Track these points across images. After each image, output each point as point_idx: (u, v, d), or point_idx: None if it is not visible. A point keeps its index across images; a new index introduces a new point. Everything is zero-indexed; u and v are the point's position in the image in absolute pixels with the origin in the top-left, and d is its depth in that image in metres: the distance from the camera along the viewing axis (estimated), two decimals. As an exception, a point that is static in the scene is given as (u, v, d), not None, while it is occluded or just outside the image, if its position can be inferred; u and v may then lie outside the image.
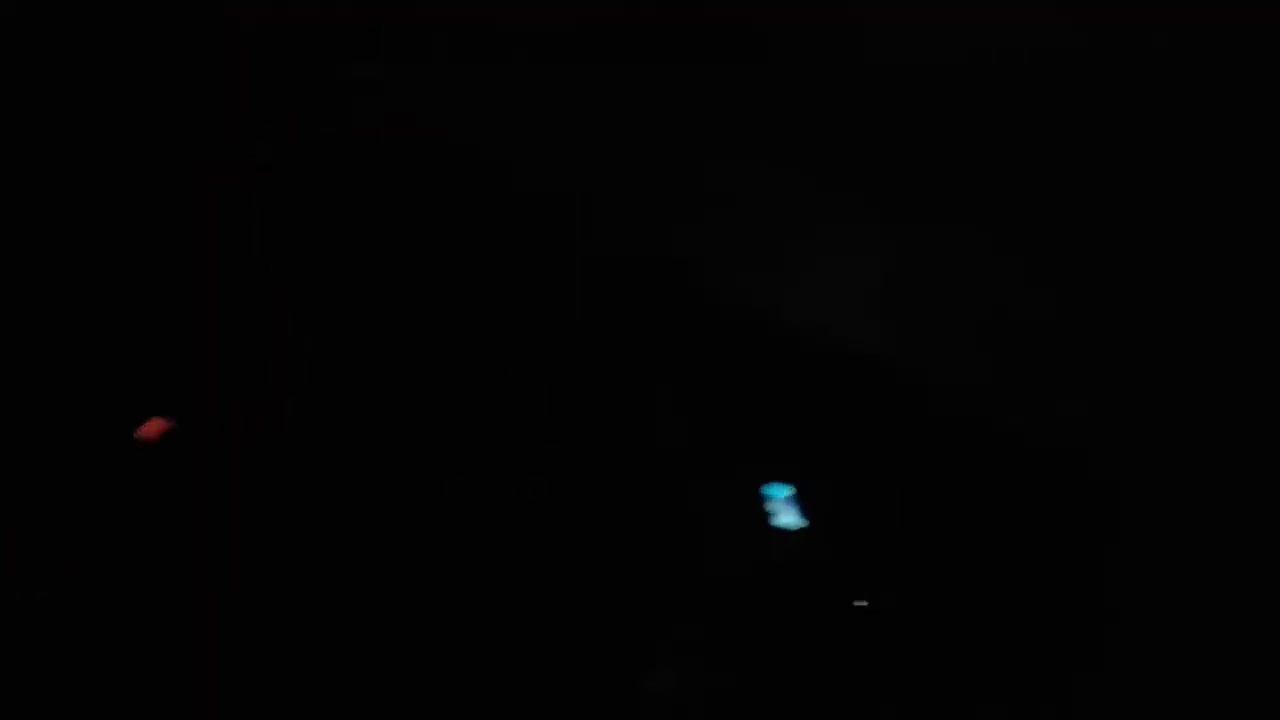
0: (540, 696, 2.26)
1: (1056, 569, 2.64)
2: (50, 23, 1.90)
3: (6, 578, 1.89)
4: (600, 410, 2.47)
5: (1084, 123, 2.01)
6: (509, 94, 1.86)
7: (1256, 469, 2.42)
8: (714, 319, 2.50)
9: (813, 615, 2.71)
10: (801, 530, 2.76)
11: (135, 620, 1.98)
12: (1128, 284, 2.30)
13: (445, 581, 2.22)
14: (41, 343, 1.98)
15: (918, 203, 2.20)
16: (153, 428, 2.06)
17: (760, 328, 2.52)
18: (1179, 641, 2.49)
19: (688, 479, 2.64)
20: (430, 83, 1.86)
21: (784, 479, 2.75)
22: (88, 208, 1.99)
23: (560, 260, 2.25)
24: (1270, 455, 2.41)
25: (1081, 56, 1.83)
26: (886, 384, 2.60)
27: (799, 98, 1.95)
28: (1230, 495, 2.47)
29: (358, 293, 2.13)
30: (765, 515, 2.75)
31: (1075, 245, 2.25)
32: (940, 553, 2.69)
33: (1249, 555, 2.43)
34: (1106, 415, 2.48)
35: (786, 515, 2.77)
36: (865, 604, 2.59)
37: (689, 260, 2.33)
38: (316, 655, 2.08)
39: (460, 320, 2.23)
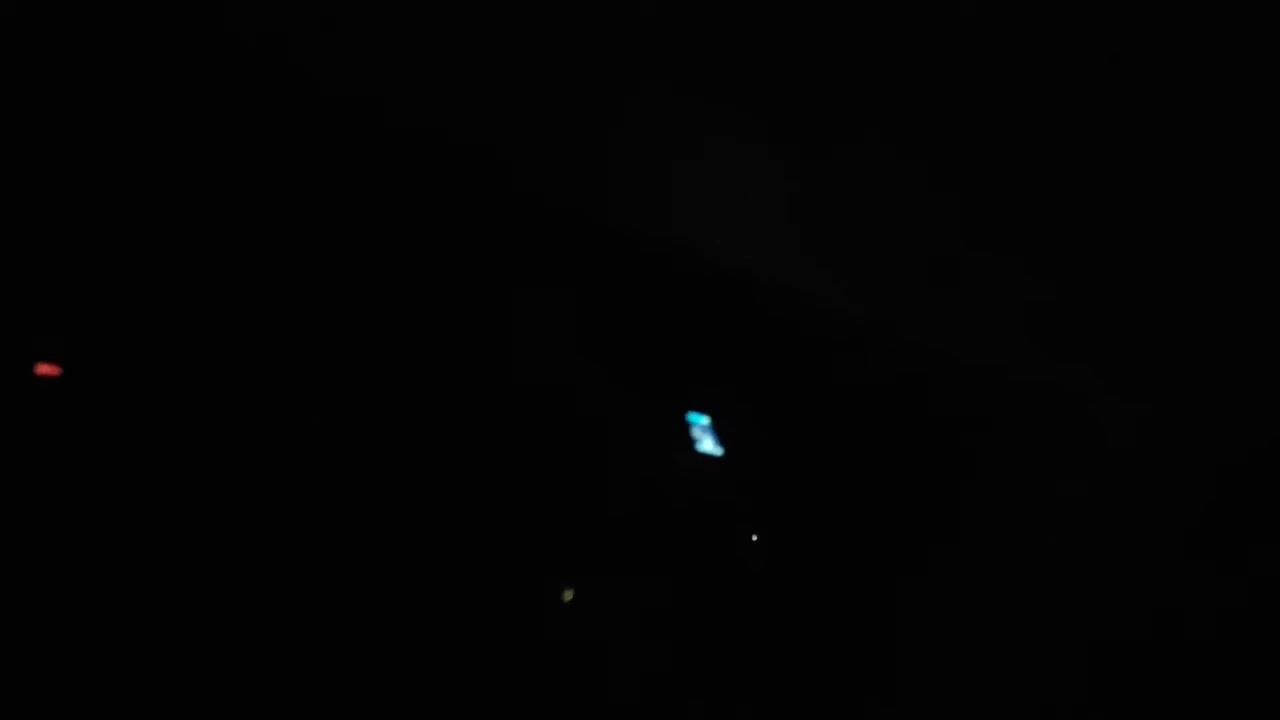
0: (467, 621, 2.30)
1: (948, 497, 2.70)
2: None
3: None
4: (509, 344, 2.45)
5: (1010, 44, 1.92)
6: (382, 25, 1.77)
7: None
8: (621, 249, 2.47)
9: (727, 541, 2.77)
10: (719, 458, 2.80)
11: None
12: (1045, 217, 2.27)
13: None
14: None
15: (824, 125, 2.14)
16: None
17: (667, 258, 2.49)
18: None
19: (602, 409, 2.65)
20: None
21: (700, 408, 2.78)
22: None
23: (453, 197, 2.20)
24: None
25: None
26: (796, 314, 2.60)
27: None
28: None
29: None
30: (687, 441, 2.78)
31: (996, 176, 2.21)
32: (845, 482, 2.75)
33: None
34: (1020, 357, 2.49)
35: (705, 442, 2.81)
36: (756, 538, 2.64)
37: (593, 192, 2.28)
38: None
39: (362, 264, 2.19)
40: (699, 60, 1.88)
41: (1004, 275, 2.38)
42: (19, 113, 1.86)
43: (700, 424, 2.80)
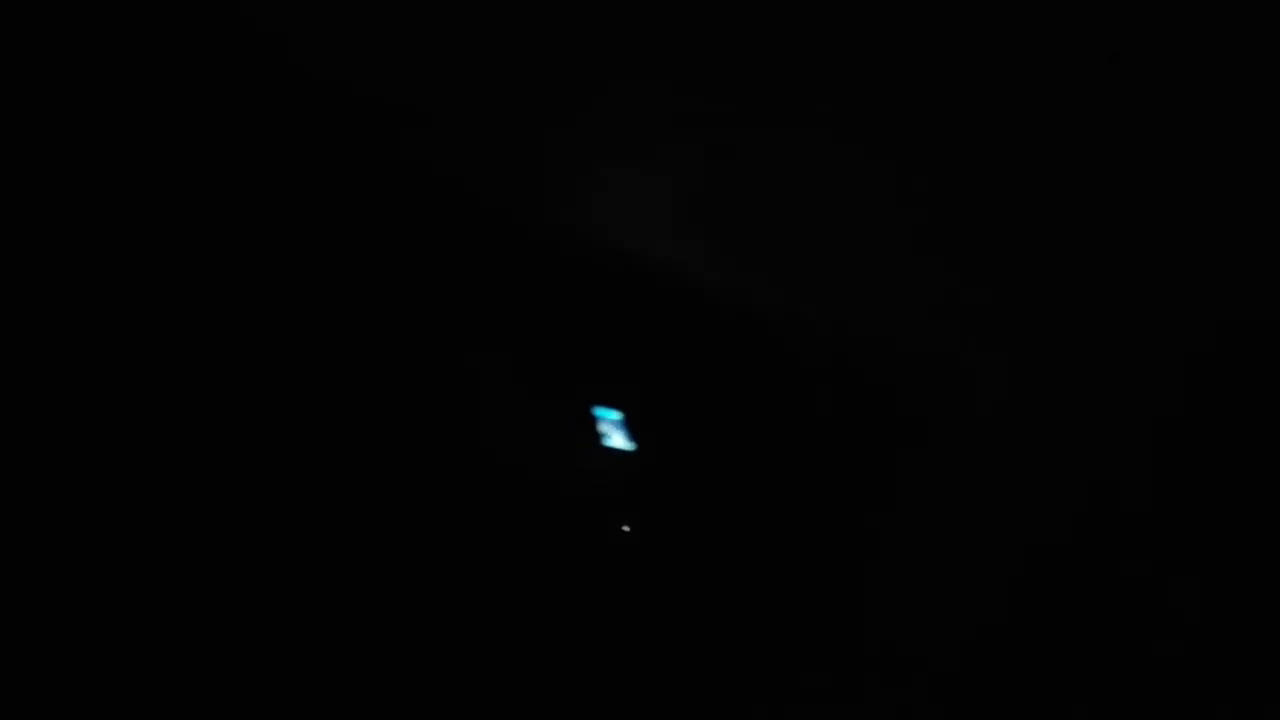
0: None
1: (861, 494, 2.79)
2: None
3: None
4: (419, 337, 2.44)
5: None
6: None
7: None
8: (526, 241, 2.50)
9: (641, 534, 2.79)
10: (630, 454, 2.82)
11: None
12: (975, 204, 2.29)
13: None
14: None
15: (741, 114, 2.15)
16: None
17: (573, 249, 2.53)
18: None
19: (514, 404, 2.65)
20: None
21: (610, 403, 2.80)
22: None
23: (362, 176, 2.18)
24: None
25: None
26: (704, 307, 2.67)
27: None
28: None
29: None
30: (597, 437, 2.80)
31: (926, 155, 2.18)
32: (758, 475, 2.81)
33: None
34: (937, 347, 2.57)
35: (617, 438, 2.83)
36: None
37: (496, 182, 2.29)
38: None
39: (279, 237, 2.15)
40: (621, 46, 1.91)
41: (900, 254, 2.47)
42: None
43: (610, 419, 2.82)
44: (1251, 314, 2.32)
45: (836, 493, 2.75)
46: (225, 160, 1.87)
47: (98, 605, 1.87)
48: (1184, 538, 2.45)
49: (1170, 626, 2.42)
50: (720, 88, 2.00)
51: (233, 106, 1.83)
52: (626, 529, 2.64)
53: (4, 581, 1.80)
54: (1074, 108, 1.98)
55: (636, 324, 2.75)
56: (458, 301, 2.50)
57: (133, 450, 1.92)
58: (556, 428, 2.77)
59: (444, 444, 2.51)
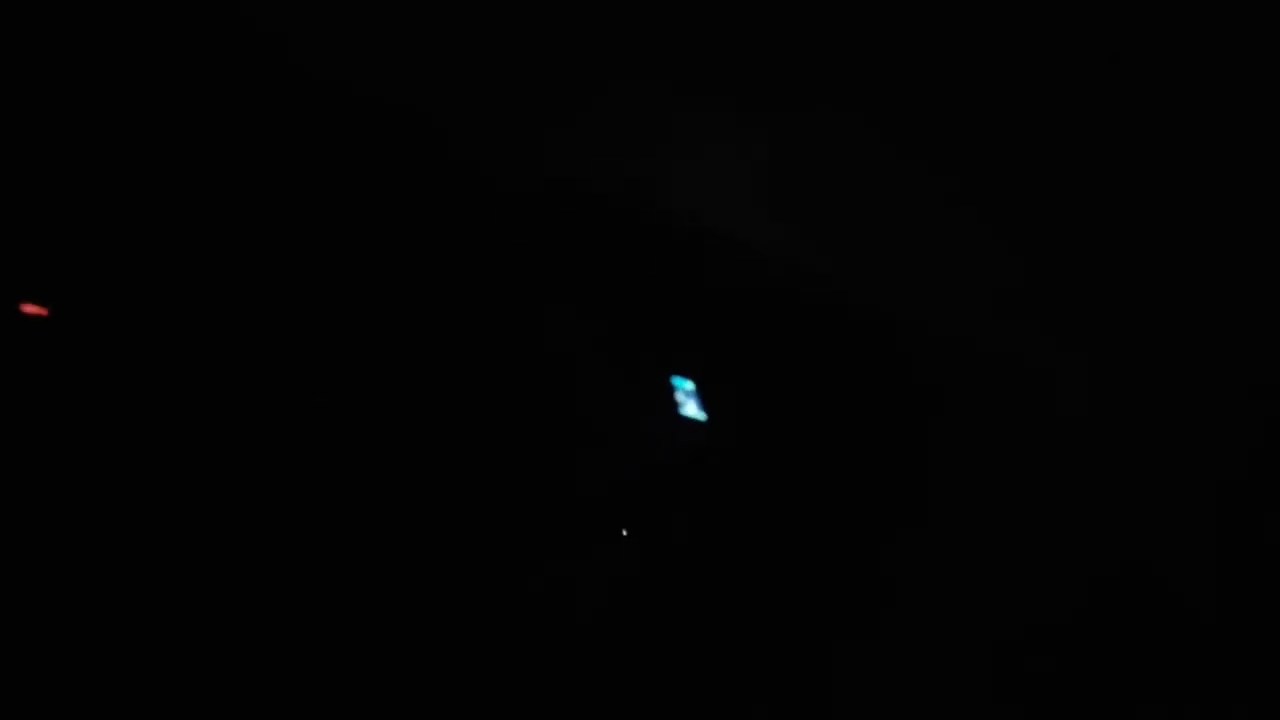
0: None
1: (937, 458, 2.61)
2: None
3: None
4: (496, 308, 2.46)
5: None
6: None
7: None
8: (605, 215, 2.43)
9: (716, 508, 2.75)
10: (703, 424, 2.77)
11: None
12: (1019, 177, 2.15)
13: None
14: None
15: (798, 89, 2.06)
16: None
17: (650, 220, 2.44)
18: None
19: (588, 374, 2.65)
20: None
21: (685, 373, 2.74)
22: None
23: (435, 167, 2.17)
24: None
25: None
26: (780, 277, 2.53)
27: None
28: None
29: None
30: (671, 406, 2.76)
31: (972, 138, 2.10)
32: (832, 447, 2.69)
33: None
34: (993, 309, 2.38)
35: (690, 407, 2.78)
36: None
37: (579, 161, 2.23)
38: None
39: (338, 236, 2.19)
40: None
41: (986, 252, 2.27)
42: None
43: (685, 389, 2.77)
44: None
45: (892, 479, 2.60)
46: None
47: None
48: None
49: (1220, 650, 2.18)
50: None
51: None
52: (625, 533, 2.61)
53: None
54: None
55: (714, 297, 2.65)
56: (538, 278, 2.50)
57: (161, 448, 2.02)
58: (635, 396, 2.75)
59: (518, 414, 2.54)
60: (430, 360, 2.33)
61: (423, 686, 2.27)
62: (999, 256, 2.22)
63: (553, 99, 1.92)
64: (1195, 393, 2.27)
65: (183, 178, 1.91)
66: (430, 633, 2.31)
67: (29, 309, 2.08)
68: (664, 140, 2.24)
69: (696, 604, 2.68)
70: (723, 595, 2.69)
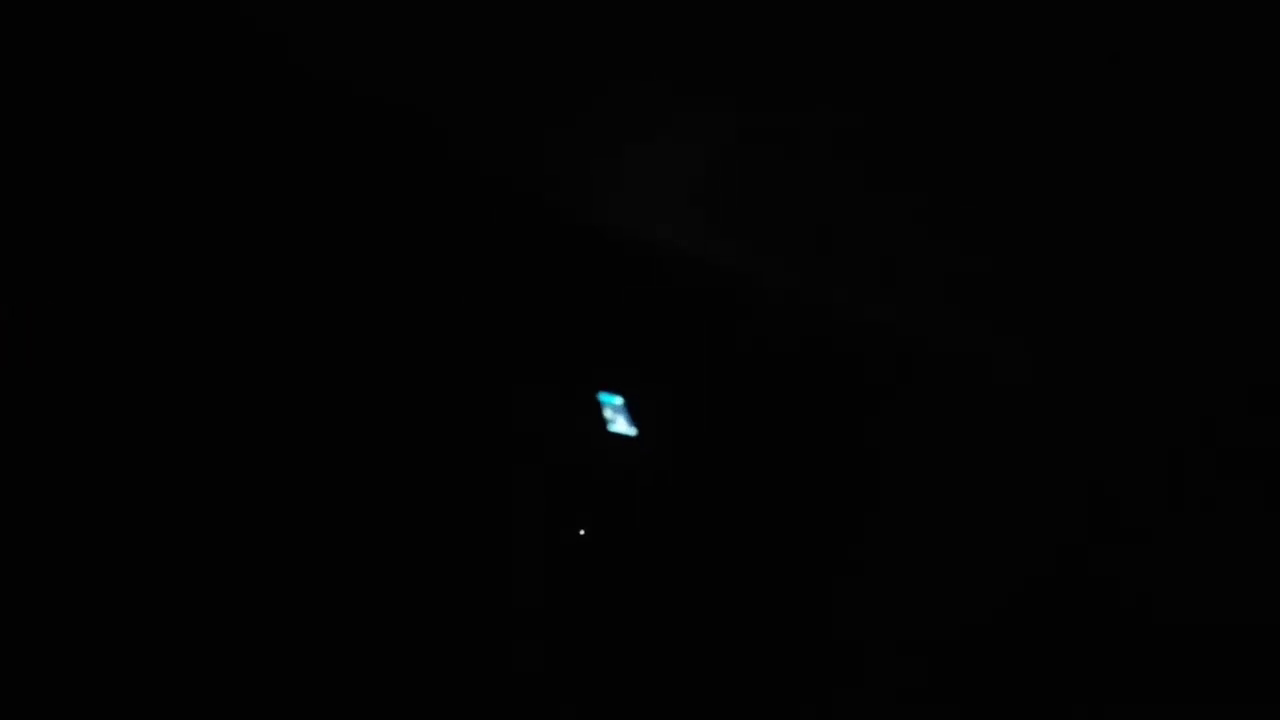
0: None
1: (869, 466, 2.79)
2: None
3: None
4: (429, 321, 2.42)
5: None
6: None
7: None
8: (537, 224, 2.46)
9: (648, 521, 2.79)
10: (634, 438, 2.81)
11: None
12: (972, 188, 2.26)
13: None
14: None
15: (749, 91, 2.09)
16: None
17: (583, 233, 2.50)
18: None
19: (519, 387, 2.63)
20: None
21: (614, 388, 2.79)
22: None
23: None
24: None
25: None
26: (712, 288, 2.65)
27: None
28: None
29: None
30: (601, 422, 2.79)
31: (920, 141, 2.13)
32: (765, 458, 2.81)
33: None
34: (940, 323, 2.55)
35: (620, 423, 2.82)
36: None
37: (518, 167, 2.24)
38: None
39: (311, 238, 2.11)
40: (621, 46, 1.87)
41: (912, 242, 2.43)
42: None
43: (613, 404, 2.81)
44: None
45: (836, 482, 2.76)
46: (226, 160, 1.85)
47: (97, 605, 1.89)
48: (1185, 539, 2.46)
49: (1164, 627, 2.44)
50: (720, 87, 1.96)
51: (233, 106, 1.81)
52: (582, 532, 2.64)
53: (4, 581, 1.81)
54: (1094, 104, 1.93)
55: (641, 309, 2.73)
56: (461, 293, 2.48)
57: (147, 449, 1.92)
58: (563, 413, 2.75)
59: (449, 431, 2.50)
60: (401, 362, 2.28)
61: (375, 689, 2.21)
62: (949, 255, 2.39)
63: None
64: (1139, 380, 2.51)
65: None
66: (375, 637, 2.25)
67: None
68: (586, 156, 2.25)
69: (642, 615, 2.70)
70: (669, 608, 2.73)
